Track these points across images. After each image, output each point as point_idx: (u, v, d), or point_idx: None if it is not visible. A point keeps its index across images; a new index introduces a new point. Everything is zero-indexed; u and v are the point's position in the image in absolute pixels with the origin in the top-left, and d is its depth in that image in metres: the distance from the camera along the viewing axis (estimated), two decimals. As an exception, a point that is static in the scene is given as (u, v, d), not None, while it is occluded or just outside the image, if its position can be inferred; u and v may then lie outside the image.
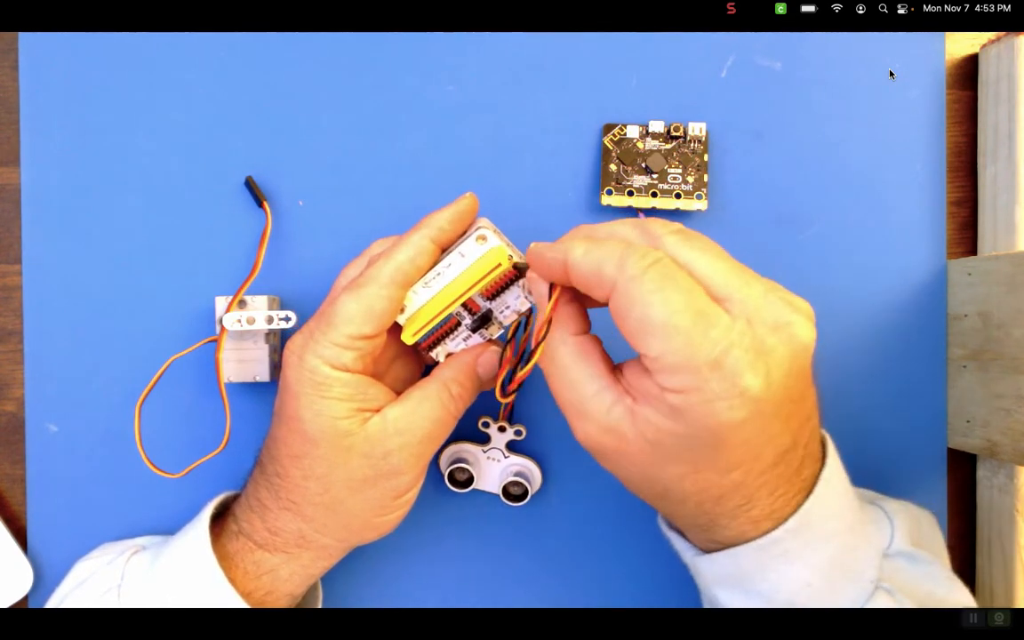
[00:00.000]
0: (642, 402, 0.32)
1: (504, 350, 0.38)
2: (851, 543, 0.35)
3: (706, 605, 0.39)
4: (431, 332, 0.38)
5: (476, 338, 0.39)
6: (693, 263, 0.32)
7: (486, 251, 0.37)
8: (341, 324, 0.35)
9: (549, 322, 0.34)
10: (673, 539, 0.39)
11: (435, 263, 0.37)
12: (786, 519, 0.33)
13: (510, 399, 0.37)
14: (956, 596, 0.37)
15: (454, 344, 0.39)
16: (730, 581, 0.36)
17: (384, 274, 0.36)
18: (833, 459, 0.36)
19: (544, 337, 0.34)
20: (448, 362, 0.39)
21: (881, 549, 0.37)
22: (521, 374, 0.36)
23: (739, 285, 0.31)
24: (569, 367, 0.34)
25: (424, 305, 0.37)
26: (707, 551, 0.36)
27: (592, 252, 0.32)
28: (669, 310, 0.30)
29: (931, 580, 0.37)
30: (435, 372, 0.39)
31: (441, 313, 0.37)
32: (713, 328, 0.30)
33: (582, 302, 0.35)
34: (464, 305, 0.38)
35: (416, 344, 0.38)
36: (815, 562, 0.34)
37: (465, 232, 0.38)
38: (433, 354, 0.39)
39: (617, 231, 0.34)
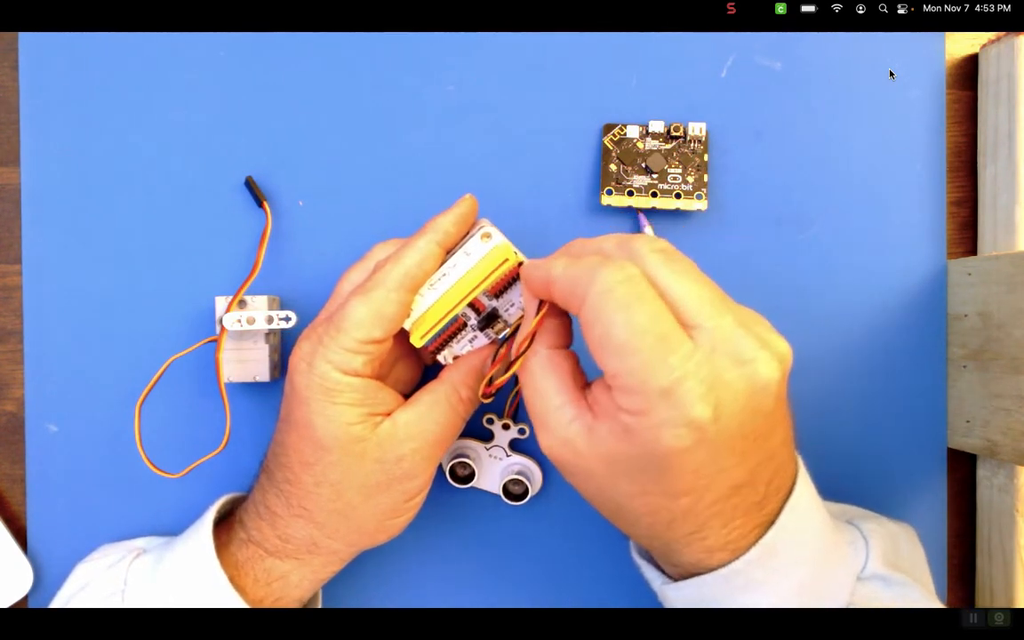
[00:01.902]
0: (600, 418, 0.32)
1: (499, 348, 0.38)
2: (821, 569, 0.35)
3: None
4: (438, 334, 0.38)
5: (482, 338, 0.39)
6: (669, 285, 0.31)
7: (491, 248, 0.37)
8: (351, 329, 0.35)
9: (532, 336, 0.35)
10: (642, 567, 0.39)
11: (440, 266, 0.37)
12: (744, 550, 0.33)
13: (489, 400, 0.38)
14: None
15: (460, 346, 0.39)
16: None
17: (392, 278, 0.36)
18: (803, 485, 0.35)
19: (525, 350, 0.35)
20: (456, 364, 0.39)
21: (855, 572, 0.36)
22: (499, 380, 0.36)
23: (711, 314, 0.31)
24: (538, 377, 0.34)
25: (431, 307, 0.37)
26: (675, 579, 0.36)
27: (570, 267, 0.32)
28: (630, 331, 0.30)
29: (906, 602, 0.36)
30: (443, 375, 0.39)
31: (449, 313, 0.37)
32: (672, 354, 0.30)
33: (569, 318, 0.36)
34: (470, 305, 0.38)
35: (423, 347, 0.38)
36: (782, 589, 0.34)
37: (467, 233, 0.38)
38: (440, 357, 0.39)
39: (602, 246, 0.34)
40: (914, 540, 0.41)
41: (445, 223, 0.37)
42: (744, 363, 0.30)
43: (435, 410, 0.38)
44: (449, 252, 0.38)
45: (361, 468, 0.36)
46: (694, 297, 0.31)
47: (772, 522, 0.34)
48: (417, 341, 0.38)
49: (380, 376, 0.38)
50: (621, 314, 0.30)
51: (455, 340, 0.39)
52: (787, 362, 0.32)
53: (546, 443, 0.34)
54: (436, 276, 0.37)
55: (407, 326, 0.37)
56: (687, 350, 0.30)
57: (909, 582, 0.37)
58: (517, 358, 0.35)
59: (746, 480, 0.32)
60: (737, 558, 0.33)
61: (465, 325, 0.39)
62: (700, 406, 0.29)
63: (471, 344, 0.39)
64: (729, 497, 0.32)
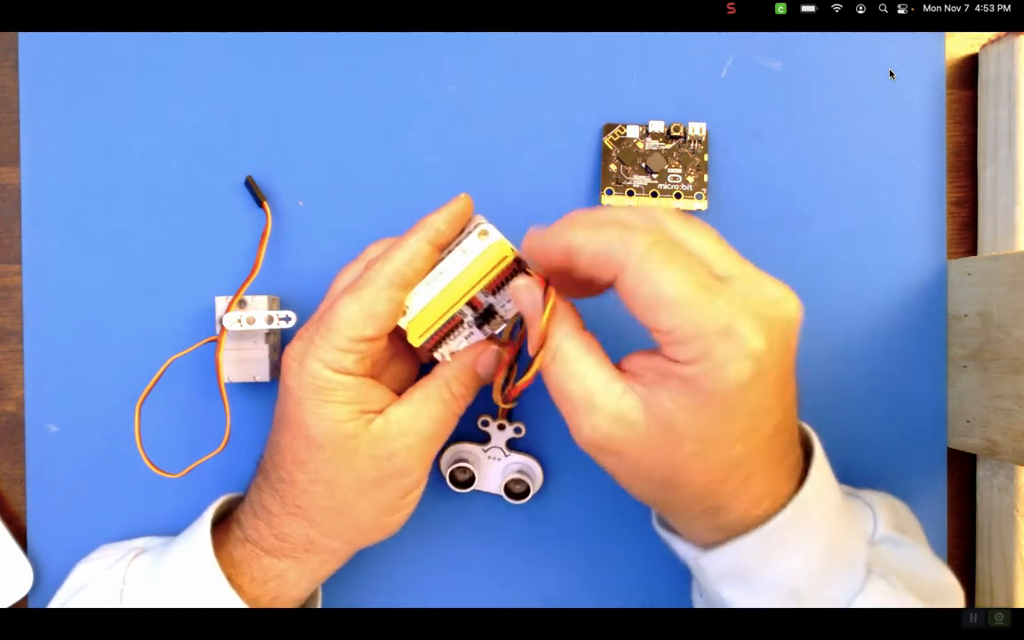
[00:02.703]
0: (653, 384, 0.32)
1: (502, 352, 0.38)
2: (841, 531, 0.36)
3: (705, 606, 0.39)
4: (436, 332, 0.38)
5: (479, 334, 0.39)
6: (694, 244, 0.33)
7: (489, 245, 0.37)
8: (341, 327, 0.35)
9: (546, 330, 0.34)
10: (671, 541, 0.39)
11: (434, 264, 0.37)
12: (785, 497, 0.34)
13: (511, 405, 0.37)
14: (942, 579, 0.39)
15: (456, 343, 0.39)
16: (733, 575, 0.36)
17: (382, 276, 0.36)
18: (819, 449, 0.36)
19: (543, 345, 0.34)
20: (448, 360, 0.39)
21: (867, 535, 0.38)
22: (522, 383, 0.36)
23: (735, 263, 0.33)
24: (575, 360, 0.34)
25: (427, 305, 0.37)
26: (707, 548, 0.36)
27: (596, 235, 0.33)
28: (679, 283, 0.31)
29: (916, 563, 0.38)
30: (436, 371, 0.39)
31: (447, 311, 0.37)
32: (719, 297, 0.31)
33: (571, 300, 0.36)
34: (467, 302, 0.38)
35: (420, 345, 0.38)
36: (812, 549, 0.35)
37: (462, 231, 0.38)
38: (437, 354, 0.39)
39: (619, 215, 0.34)
40: (910, 512, 0.43)
41: (437, 221, 0.37)
42: (776, 302, 0.32)
43: (427, 406, 0.38)
44: (446, 250, 0.38)
45: (354, 465, 0.36)
46: (718, 252, 0.33)
47: (794, 476, 0.35)
48: (415, 340, 0.37)
49: (374, 374, 0.38)
50: (667, 272, 0.31)
51: (451, 337, 0.39)
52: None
53: (592, 425, 0.33)
54: (433, 274, 0.37)
55: (403, 325, 0.37)
56: (729, 293, 0.31)
57: (916, 544, 0.39)
58: (537, 353, 0.34)
59: (782, 421, 0.33)
60: (778, 507, 0.34)
61: (462, 322, 0.38)
62: (757, 338, 0.31)
63: (467, 341, 0.39)
64: (771, 439, 0.33)
